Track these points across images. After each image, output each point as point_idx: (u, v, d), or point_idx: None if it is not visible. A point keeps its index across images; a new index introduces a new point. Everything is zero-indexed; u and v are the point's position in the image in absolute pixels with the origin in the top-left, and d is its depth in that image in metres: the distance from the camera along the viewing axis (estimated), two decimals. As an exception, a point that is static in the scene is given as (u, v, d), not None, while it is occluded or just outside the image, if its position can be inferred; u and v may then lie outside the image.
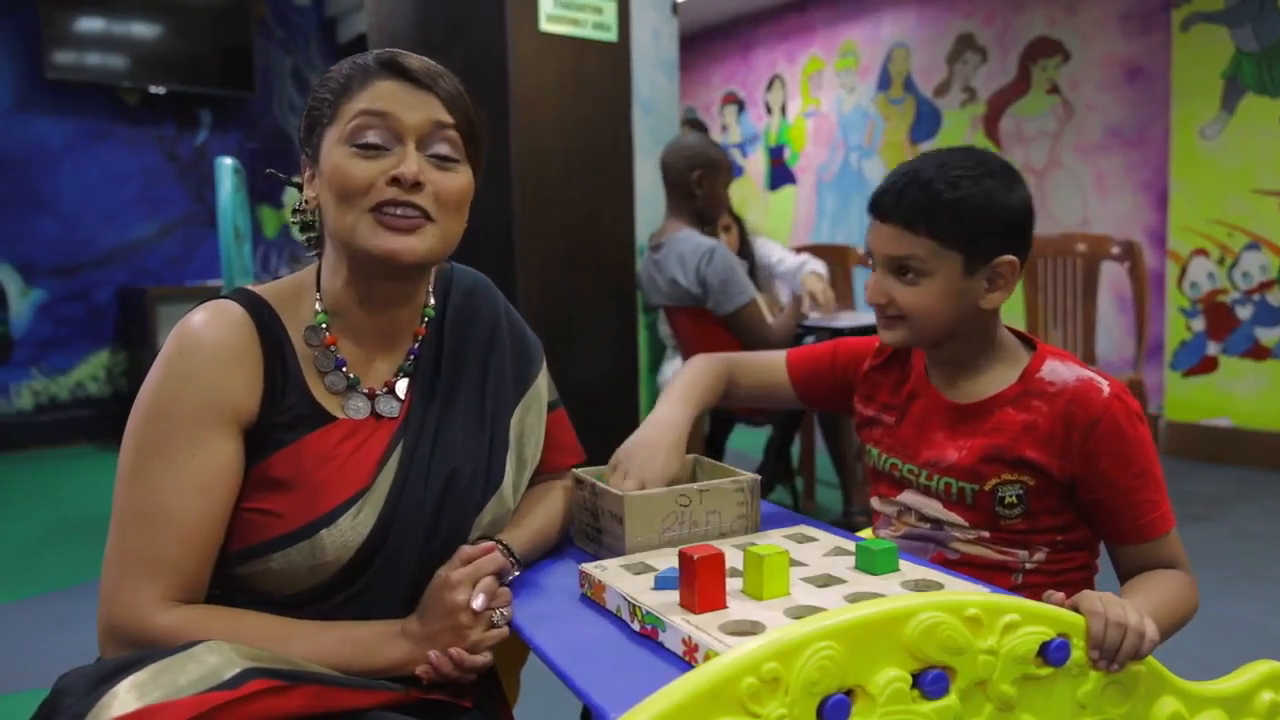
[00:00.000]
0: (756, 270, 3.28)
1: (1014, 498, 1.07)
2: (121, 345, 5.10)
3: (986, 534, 1.09)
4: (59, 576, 2.88)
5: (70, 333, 4.98)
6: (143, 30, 5.00)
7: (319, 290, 1.01)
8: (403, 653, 0.89)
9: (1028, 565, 1.08)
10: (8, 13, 4.71)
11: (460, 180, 0.96)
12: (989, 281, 1.07)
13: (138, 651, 0.80)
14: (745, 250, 3.29)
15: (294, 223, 1.03)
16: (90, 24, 4.83)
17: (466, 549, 0.94)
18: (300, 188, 1.02)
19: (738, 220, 3.30)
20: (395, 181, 0.91)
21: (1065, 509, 1.08)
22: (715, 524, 1.05)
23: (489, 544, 0.96)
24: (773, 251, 3.31)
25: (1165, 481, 1.06)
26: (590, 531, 1.08)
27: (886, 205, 1.09)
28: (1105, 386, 1.04)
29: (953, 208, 1.05)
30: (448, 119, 0.95)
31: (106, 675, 0.75)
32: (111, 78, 4.91)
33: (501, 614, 0.91)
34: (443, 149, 0.95)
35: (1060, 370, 1.07)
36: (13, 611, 2.63)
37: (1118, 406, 1.03)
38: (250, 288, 0.99)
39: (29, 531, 3.40)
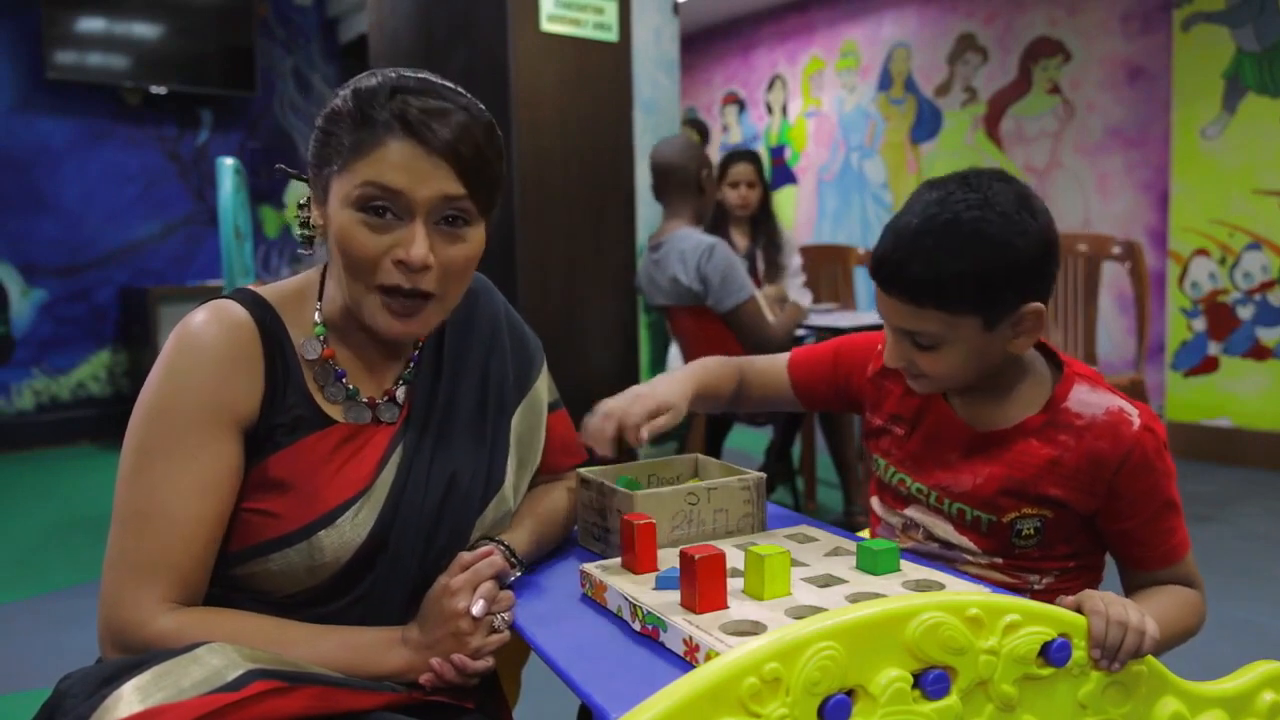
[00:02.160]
0: (779, 238, 3.35)
1: (1031, 530, 1.03)
2: (123, 345, 5.10)
3: (999, 560, 1.06)
4: (61, 576, 2.88)
5: (71, 333, 4.98)
6: (144, 30, 5.00)
7: (321, 299, 1.01)
8: (404, 660, 0.89)
9: (1037, 587, 1.06)
10: (10, 13, 4.72)
11: (469, 248, 0.95)
12: (1013, 329, 0.99)
13: (139, 654, 0.81)
14: (767, 209, 3.35)
15: (295, 219, 1.02)
16: (92, 24, 4.83)
17: (465, 555, 0.93)
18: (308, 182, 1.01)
19: (764, 184, 3.36)
20: (401, 264, 0.90)
21: (1081, 537, 1.05)
22: (722, 522, 1.06)
23: (487, 548, 0.95)
24: (794, 256, 3.39)
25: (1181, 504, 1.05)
26: (597, 531, 1.08)
27: (887, 277, 0.99)
28: (1135, 418, 1.00)
29: (958, 278, 0.95)
30: (459, 191, 0.91)
31: (109, 677, 0.75)
32: (113, 78, 4.91)
33: (503, 618, 0.91)
34: (453, 217, 0.93)
35: (1089, 399, 1.02)
36: (15, 611, 2.63)
37: (1147, 439, 1.00)
38: (253, 288, 0.99)
39: (30, 531, 3.41)
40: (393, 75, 0.93)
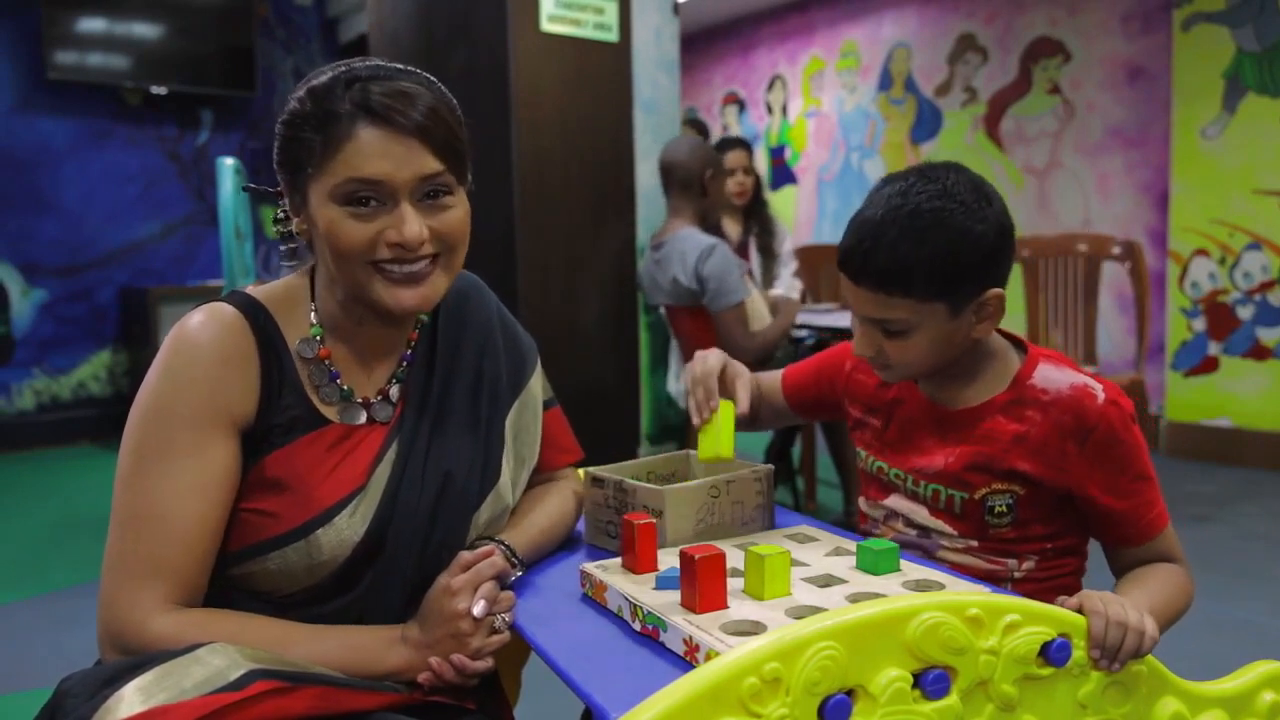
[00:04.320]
0: (772, 224, 3.38)
1: (1004, 507, 1.05)
2: (123, 345, 5.10)
3: (975, 543, 1.07)
4: (62, 576, 2.88)
5: (72, 333, 4.98)
6: (145, 30, 5.01)
7: (313, 301, 1.01)
8: (403, 660, 0.89)
9: (1016, 574, 1.07)
10: (10, 13, 4.72)
11: (457, 213, 0.95)
12: (976, 314, 1.03)
13: (139, 655, 0.81)
14: (759, 197, 3.37)
15: (278, 232, 1.01)
16: (92, 24, 4.83)
17: (465, 555, 0.93)
18: (277, 198, 1.00)
19: (755, 171, 3.38)
20: (396, 245, 0.91)
21: (1057, 517, 1.06)
22: (738, 514, 1.07)
23: (488, 548, 0.95)
24: (785, 241, 3.42)
25: (1159, 478, 1.05)
26: (612, 529, 1.09)
27: (854, 268, 1.03)
28: (1100, 392, 1.01)
29: (924, 265, 0.98)
30: (437, 167, 0.91)
31: (110, 677, 0.75)
32: (113, 78, 4.91)
33: (503, 619, 0.91)
34: (435, 190, 0.93)
35: (1053, 376, 1.04)
36: (15, 611, 2.63)
37: (1113, 413, 1.01)
38: (247, 290, 0.99)
39: (31, 531, 3.41)
40: (343, 68, 0.92)
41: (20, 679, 2.20)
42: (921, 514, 1.11)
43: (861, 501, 1.22)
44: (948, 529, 1.08)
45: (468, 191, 0.99)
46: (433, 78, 0.96)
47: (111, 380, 5.09)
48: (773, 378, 1.33)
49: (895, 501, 1.14)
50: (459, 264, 0.99)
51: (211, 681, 0.74)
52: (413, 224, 0.90)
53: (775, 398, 1.31)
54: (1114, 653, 0.78)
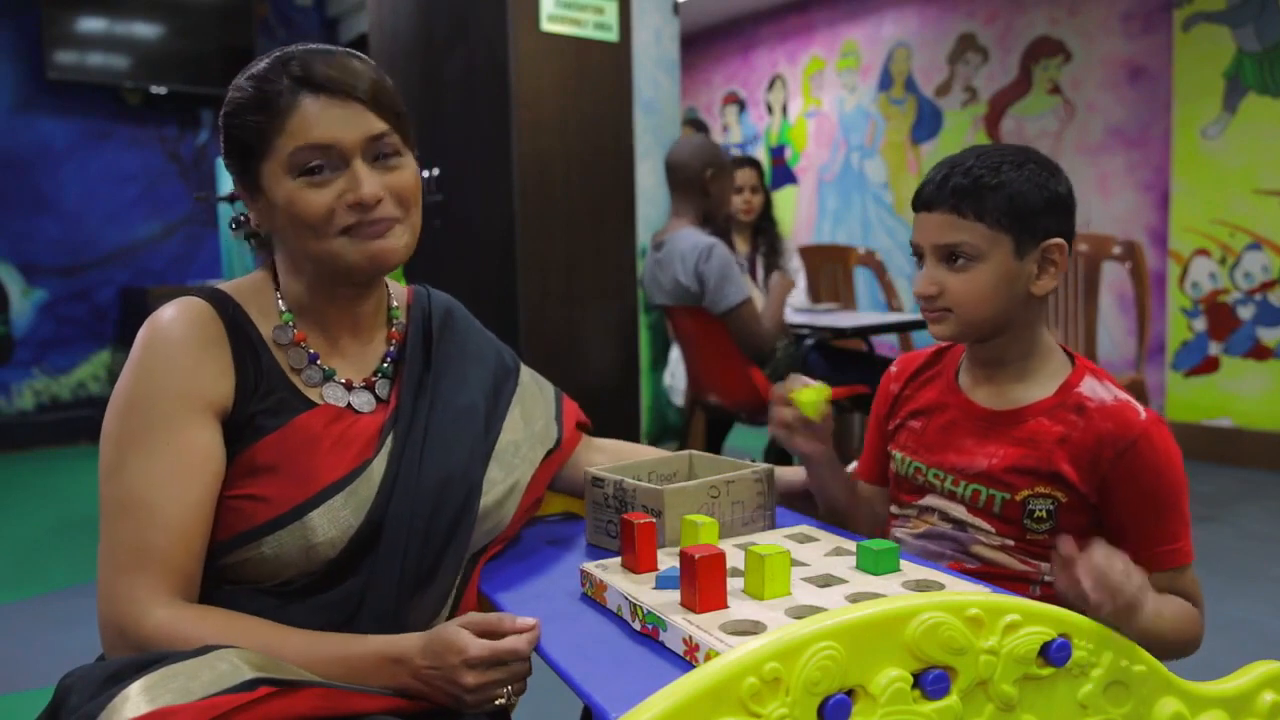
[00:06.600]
0: (780, 244, 3.41)
1: (1044, 512, 1.05)
2: (123, 345, 5.10)
3: (1011, 543, 1.08)
4: (61, 576, 2.88)
5: (72, 332, 4.98)
6: (145, 30, 5.01)
7: (279, 290, 1.02)
8: (396, 684, 0.85)
9: (1046, 578, 1.07)
10: (10, 13, 4.72)
11: (408, 173, 0.98)
12: (1039, 266, 1.07)
13: (141, 652, 0.80)
14: (769, 215, 3.38)
15: (236, 236, 1.04)
16: (92, 24, 4.83)
17: (495, 621, 0.85)
18: (230, 201, 1.04)
19: (765, 190, 3.40)
20: (356, 205, 0.93)
21: (1091, 531, 1.06)
22: (739, 515, 1.08)
23: (528, 621, 0.86)
24: (793, 259, 3.47)
25: (1191, 520, 1.04)
26: (612, 529, 1.09)
27: (931, 195, 1.09)
28: (1141, 411, 1.04)
29: (998, 190, 1.05)
30: (382, 127, 0.95)
31: (113, 675, 0.75)
32: (113, 78, 4.92)
33: (510, 691, 0.85)
34: (384, 151, 0.96)
35: (1099, 390, 1.07)
36: (15, 611, 2.63)
37: (1155, 433, 1.03)
38: (213, 285, 1.01)
39: (31, 531, 3.41)
40: (276, 52, 0.97)
41: (20, 679, 2.20)
42: (959, 510, 1.11)
43: (893, 507, 1.21)
44: (985, 526, 1.09)
45: (416, 157, 1.01)
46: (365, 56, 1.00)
47: (111, 380, 5.09)
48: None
49: (931, 500, 1.14)
50: (418, 223, 1.01)
51: (217, 683, 0.74)
52: (369, 183, 0.93)
53: (866, 500, 1.28)
54: (1108, 583, 0.79)
